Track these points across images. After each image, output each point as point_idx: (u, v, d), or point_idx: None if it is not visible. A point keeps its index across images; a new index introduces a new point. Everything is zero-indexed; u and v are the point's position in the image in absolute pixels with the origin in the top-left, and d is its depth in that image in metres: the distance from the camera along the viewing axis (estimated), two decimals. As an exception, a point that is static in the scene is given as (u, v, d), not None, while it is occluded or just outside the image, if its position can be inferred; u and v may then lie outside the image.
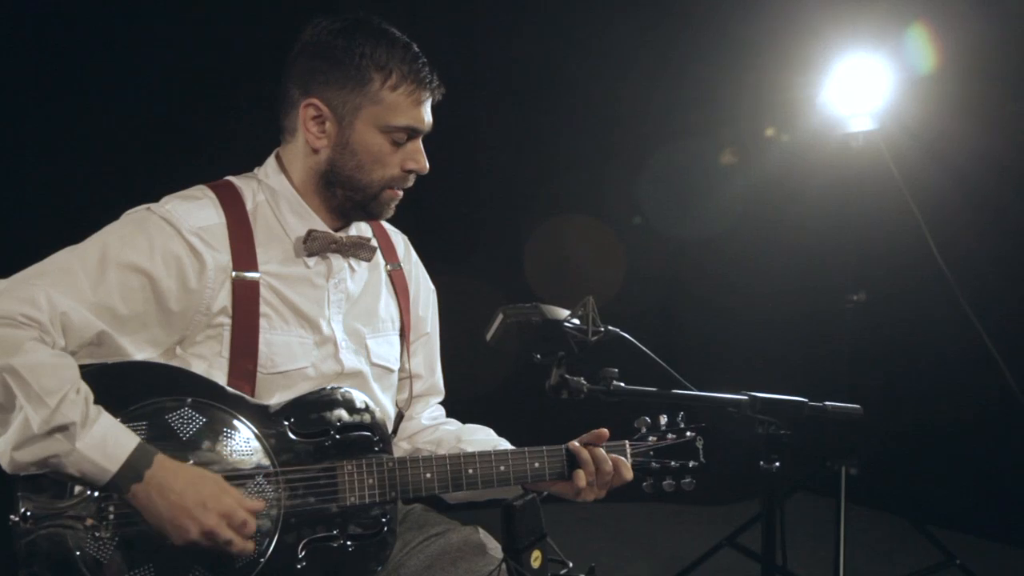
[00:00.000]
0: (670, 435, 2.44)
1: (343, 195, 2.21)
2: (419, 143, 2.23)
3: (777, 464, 2.09)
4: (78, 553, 1.88)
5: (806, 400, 2.10)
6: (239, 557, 1.99)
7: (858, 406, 2.17)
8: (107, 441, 1.87)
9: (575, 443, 2.31)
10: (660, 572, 4.42)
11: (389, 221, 2.45)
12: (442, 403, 2.62)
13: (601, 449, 2.31)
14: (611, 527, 4.75)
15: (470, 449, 2.37)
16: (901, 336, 4.89)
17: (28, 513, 1.87)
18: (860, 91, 4.02)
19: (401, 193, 2.26)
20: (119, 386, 1.96)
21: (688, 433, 2.44)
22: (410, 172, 2.23)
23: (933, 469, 4.84)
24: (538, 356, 1.96)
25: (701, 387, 2.08)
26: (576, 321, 1.95)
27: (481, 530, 2.33)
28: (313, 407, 2.13)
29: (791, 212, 5.11)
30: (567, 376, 1.95)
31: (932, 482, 4.82)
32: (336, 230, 2.27)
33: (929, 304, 4.54)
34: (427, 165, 2.24)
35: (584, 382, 1.97)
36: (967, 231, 4.44)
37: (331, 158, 2.19)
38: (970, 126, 4.42)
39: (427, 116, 2.22)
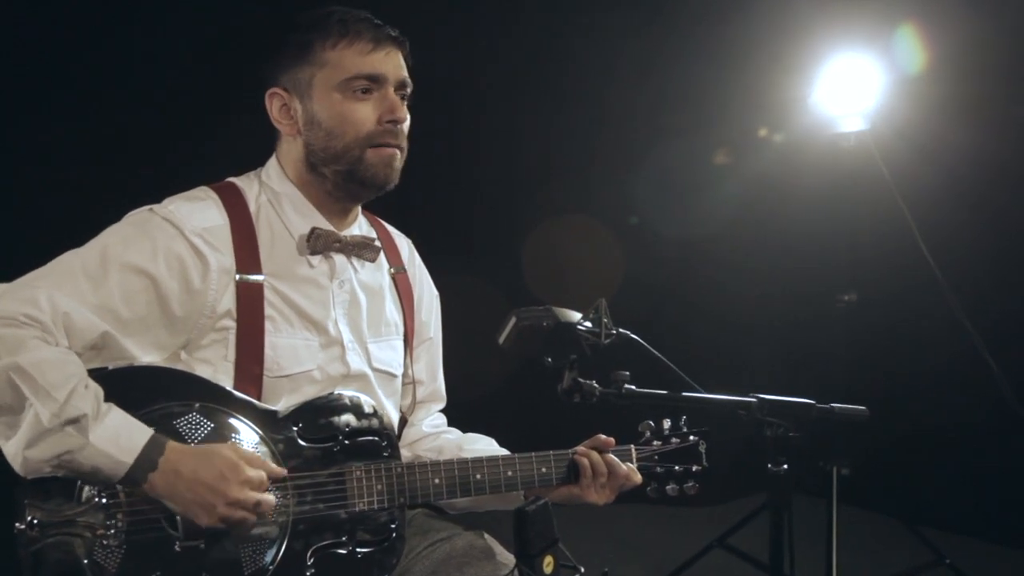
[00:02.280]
0: (674, 439, 2.43)
1: (332, 172, 2.17)
2: (388, 92, 2.17)
3: (785, 466, 2.08)
4: (86, 561, 1.85)
5: (814, 402, 2.10)
6: (248, 563, 1.96)
7: (863, 407, 2.18)
8: (120, 434, 1.85)
9: (582, 448, 2.31)
10: (650, 574, 4.41)
11: (388, 218, 2.43)
12: (444, 405, 2.60)
13: (595, 454, 2.29)
14: (599, 528, 4.73)
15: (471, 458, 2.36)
16: (892, 336, 4.90)
17: (35, 521, 1.84)
18: (851, 91, 4.03)
19: (395, 152, 2.18)
20: (125, 391, 1.93)
21: (691, 437, 2.44)
22: (388, 124, 2.16)
23: (924, 470, 4.87)
24: (549, 359, 1.94)
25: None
26: (588, 324, 1.94)
27: (486, 534, 2.32)
28: (321, 412, 2.11)
29: (781, 212, 5.13)
30: (580, 379, 1.94)
31: (923, 482, 4.84)
32: (340, 229, 2.25)
33: (920, 304, 4.55)
34: (404, 114, 2.18)
35: (596, 385, 1.95)
36: (957, 231, 4.45)
37: (306, 140, 2.18)
38: (960, 126, 4.44)
39: (383, 64, 2.16)
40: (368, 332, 2.29)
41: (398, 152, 2.20)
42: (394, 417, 2.35)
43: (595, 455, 2.29)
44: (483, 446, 2.45)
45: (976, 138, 4.42)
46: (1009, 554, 4.67)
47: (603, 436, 2.34)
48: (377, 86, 2.16)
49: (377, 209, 2.38)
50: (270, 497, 1.95)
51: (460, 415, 2.58)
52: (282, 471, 2.00)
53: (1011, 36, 4.34)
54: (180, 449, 1.90)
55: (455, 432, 2.53)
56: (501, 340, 1.92)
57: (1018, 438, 4.22)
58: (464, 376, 2.72)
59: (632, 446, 2.39)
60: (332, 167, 2.17)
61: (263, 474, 1.95)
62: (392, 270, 2.40)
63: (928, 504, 4.75)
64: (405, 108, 2.20)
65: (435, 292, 2.54)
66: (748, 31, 4.73)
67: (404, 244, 2.51)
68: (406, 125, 2.22)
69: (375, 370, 2.28)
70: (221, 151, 2.95)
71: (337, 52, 2.14)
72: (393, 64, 2.19)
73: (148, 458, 1.86)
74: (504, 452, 2.42)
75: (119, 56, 4.15)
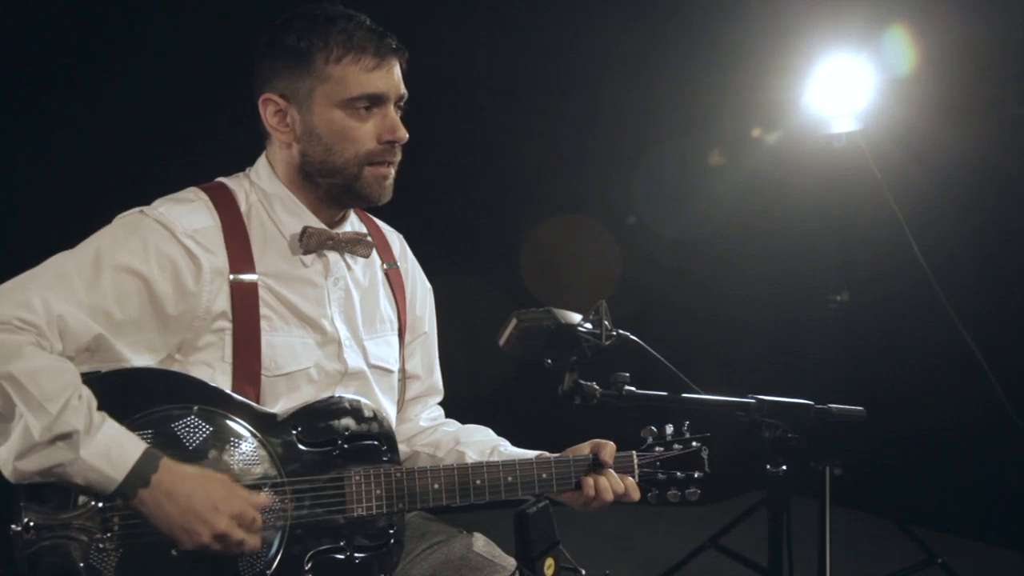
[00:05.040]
0: (676, 445, 2.41)
1: (326, 184, 2.16)
2: (389, 110, 2.16)
3: (784, 467, 2.07)
4: (82, 565, 1.83)
5: (812, 403, 2.10)
6: (245, 568, 1.95)
7: (861, 408, 2.17)
8: (112, 449, 1.82)
9: (587, 476, 2.28)
10: (642, 574, 4.40)
11: (386, 220, 2.43)
12: (442, 403, 2.59)
13: (603, 479, 2.28)
14: (589, 528, 4.72)
15: (469, 451, 2.35)
16: (884, 336, 4.91)
17: (31, 524, 1.82)
18: (842, 92, 4.04)
19: (390, 170, 2.18)
20: (124, 394, 1.91)
21: (694, 443, 2.42)
22: (387, 143, 2.15)
23: (916, 469, 4.87)
24: (549, 361, 1.94)
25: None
26: (589, 326, 1.93)
27: (483, 537, 2.32)
28: (321, 416, 2.09)
29: (774, 212, 5.14)
30: (580, 381, 1.93)
31: (915, 482, 4.85)
32: (331, 227, 2.23)
33: (912, 304, 4.56)
34: (404, 133, 2.16)
35: (597, 387, 1.95)
36: (949, 231, 4.48)
37: (302, 149, 2.15)
38: (951, 127, 4.46)
39: (386, 81, 2.14)
40: (364, 329, 2.28)
41: (392, 170, 2.19)
42: (392, 413, 2.33)
43: (602, 481, 2.27)
44: (480, 437, 2.44)
45: (967, 138, 4.44)
46: (1000, 554, 4.69)
47: (601, 441, 2.33)
48: (378, 104, 2.14)
49: (376, 208, 2.37)
50: (256, 540, 1.93)
51: (459, 415, 2.57)
52: (266, 499, 1.97)
53: (1001, 37, 4.35)
54: (175, 468, 1.88)
55: (453, 424, 2.52)
56: (501, 342, 1.91)
57: (1009, 438, 4.24)
58: (462, 376, 2.71)
59: (634, 452, 2.38)
60: (328, 180, 2.16)
61: (257, 514, 1.93)
62: (384, 266, 2.39)
63: (920, 504, 4.75)
64: (402, 127, 2.18)
65: (428, 286, 2.53)
66: (741, 32, 4.75)
67: (395, 239, 2.49)
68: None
69: (372, 367, 2.27)
70: (210, 151, 2.94)
71: (340, 68, 2.11)
72: (394, 79, 2.16)
73: (140, 474, 1.83)
74: (502, 441, 2.42)
75: (107, 57, 4.14)
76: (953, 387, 4.56)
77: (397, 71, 2.18)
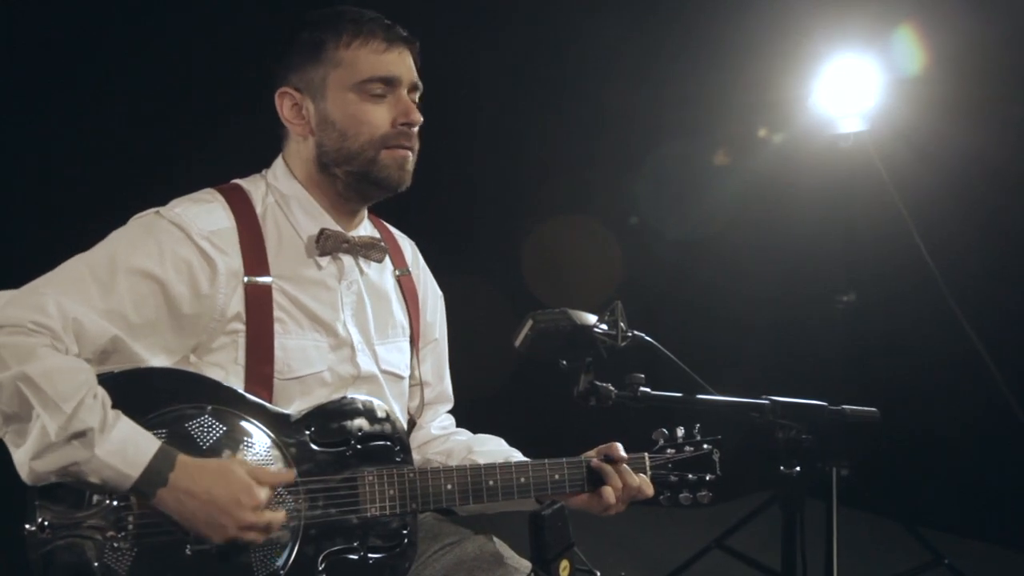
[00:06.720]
0: (687, 448, 2.40)
1: (344, 173, 2.16)
2: (403, 94, 2.17)
3: (798, 469, 2.07)
4: (96, 564, 1.83)
5: (826, 404, 2.10)
6: (259, 567, 1.94)
7: (874, 409, 2.17)
8: (127, 446, 1.82)
9: (597, 460, 2.27)
10: (648, 575, 4.40)
11: (387, 218, 2.43)
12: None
13: (625, 464, 2.27)
14: (593, 528, 4.69)
15: (482, 460, 2.32)
16: (890, 337, 4.90)
17: (45, 523, 1.82)
18: (850, 92, 4.04)
19: (408, 154, 2.18)
20: (138, 393, 1.91)
21: (705, 446, 2.41)
22: (402, 126, 2.16)
23: (923, 470, 4.87)
24: (564, 362, 1.94)
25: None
26: (604, 326, 1.93)
27: (496, 539, 2.31)
28: (334, 416, 2.08)
29: (780, 212, 5.12)
30: (596, 382, 1.93)
31: (922, 483, 4.84)
32: (347, 230, 2.24)
33: (918, 305, 4.55)
34: (418, 116, 2.18)
35: (612, 388, 1.95)
36: (955, 231, 4.46)
37: (318, 140, 2.16)
38: (959, 127, 4.44)
39: (397, 65, 2.16)
40: (375, 334, 2.27)
41: (410, 154, 2.19)
42: (403, 419, 2.32)
43: (624, 468, 2.26)
44: (492, 447, 2.42)
45: (974, 139, 4.43)
46: (1007, 555, 4.69)
47: (614, 444, 2.32)
48: (391, 88, 2.16)
49: (377, 209, 2.37)
50: (280, 515, 1.93)
51: (460, 416, 2.57)
52: (290, 475, 1.98)
53: (1009, 37, 4.34)
54: (192, 465, 1.88)
55: (464, 433, 2.51)
56: (517, 343, 1.91)
57: (1016, 438, 4.23)
58: (463, 377, 2.70)
59: (646, 454, 2.36)
60: (344, 168, 2.16)
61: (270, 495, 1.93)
62: (397, 272, 2.39)
63: (927, 505, 4.75)
64: (417, 111, 2.19)
65: (439, 293, 2.53)
66: (747, 31, 4.73)
67: (408, 246, 2.50)
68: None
69: (384, 372, 2.27)
70: (226, 152, 2.93)
71: (351, 52, 2.13)
72: (406, 65, 2.19)
73: (156, 472, 1.83)
74: (514, 451, 2.40)
75: (123, 55, 4.13)
76: (960, 388, 4.56)
77: (410, 60, 2.21)
